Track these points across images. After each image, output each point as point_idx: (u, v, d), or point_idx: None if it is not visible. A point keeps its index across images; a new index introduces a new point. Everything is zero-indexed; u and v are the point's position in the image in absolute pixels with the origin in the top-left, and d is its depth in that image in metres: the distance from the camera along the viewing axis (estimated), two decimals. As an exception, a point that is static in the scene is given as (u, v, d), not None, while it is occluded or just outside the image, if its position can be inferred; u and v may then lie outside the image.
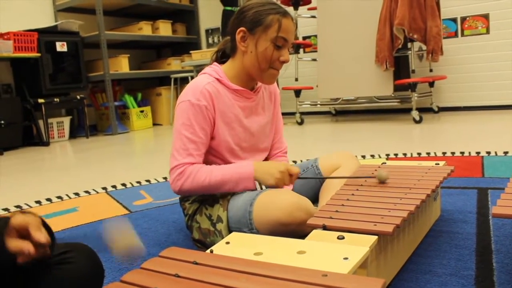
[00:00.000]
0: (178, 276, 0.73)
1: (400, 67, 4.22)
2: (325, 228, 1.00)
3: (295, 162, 2.49)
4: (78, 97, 4.83)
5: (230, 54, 1.38)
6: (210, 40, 6.00)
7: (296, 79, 4.69)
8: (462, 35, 4.37)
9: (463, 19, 4.35)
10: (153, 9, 5.76)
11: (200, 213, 1.34)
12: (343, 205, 1.13)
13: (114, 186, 2.34)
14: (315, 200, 1.45)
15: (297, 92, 4.59)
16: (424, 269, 1.10)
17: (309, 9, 4.78)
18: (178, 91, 5.60)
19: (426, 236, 1.31)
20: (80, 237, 1.57)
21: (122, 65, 5.17)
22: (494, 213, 0.96)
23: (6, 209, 2.04)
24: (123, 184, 2.37)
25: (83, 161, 3.30)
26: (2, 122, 4.16)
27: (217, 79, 1.34)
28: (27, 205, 2.09)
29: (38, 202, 2.14)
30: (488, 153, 2.40)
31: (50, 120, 4.64)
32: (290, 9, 4.45)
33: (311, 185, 1.49)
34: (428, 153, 2.53)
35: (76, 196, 2.20)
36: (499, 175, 1.95)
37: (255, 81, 1.40)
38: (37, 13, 4.99)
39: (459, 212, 1.50)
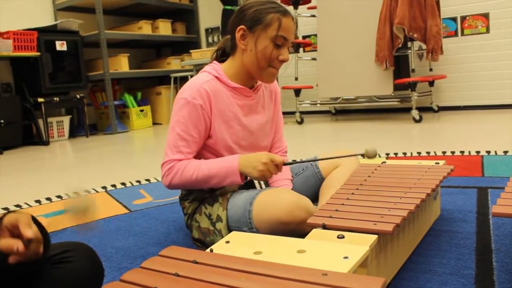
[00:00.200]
0: (178, 275, 0.73)
1: (400, 66, 4.22)
2: (325, 227, 1.00)
3: (294, 161, 2.49)
4: (78, 96, 4.83)
5: (230, 53, 1.38)
6: (210, 39, 6.00)
7: (296, 78, 4.69)
8: (462, 34, 4.36)
9: (463, 18, 4.34)
10: (153, 8, 5.76)
11: (199, 212, 1.34)
12: (343, 204, 1.13)
13: (114, 185, 2.34)
14: (315, 199, 1.45)
15: (297, 92, 4.59)
16: (424, 268, 1.10)
17: (309, 8, 4.77)
18: (178, 90, 5.58)
19: (426, 235, 1.31)
20: (80, 237, 1.57)
21: (122, 64, 5.17)
22: (494, 212, 0.96)
23: (6, 208, 2.04)
24: (123, 184, 2.37)
25: (83, 161, 3.30)
26: (2, 121, 4.16)
27: (216, 77, 1.34)
28: (27, 204, 2.09)
29: (38, 201, 2.14)
30: (488, 152, 2.40)
31: (49, 119, 4.64)
32: (290, 8, 4.44)
33: (310, 184, 1.49)
34: (428, 152, 2.53)
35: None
36: (499, 174, 1.95)
37: (255, 79, 1.39)
38: (36, 12, 4.98)
39: (459, 211, 1.50)
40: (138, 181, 2.40)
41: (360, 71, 4.10)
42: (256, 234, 0.98)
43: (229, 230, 1.26)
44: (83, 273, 0.87)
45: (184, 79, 5.51)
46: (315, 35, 4.80)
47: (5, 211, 1.98)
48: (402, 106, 4.48)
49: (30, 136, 4.60)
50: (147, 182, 2.36)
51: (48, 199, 2.16)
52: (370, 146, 1.26)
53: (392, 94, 4.07)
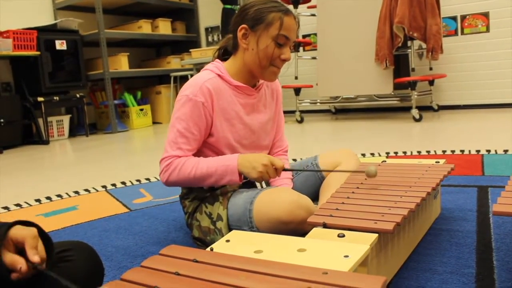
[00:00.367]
0: (179, 274, 0.73)
1: (400, 65, 4.22)
2: (325, 226, 1.00)
3: (295, 160, 2.49)
4: (78, 95, 4.82)
5: (232, 51, 1.38)
6: (210, 38, 6.00)
7: (296, 78, 4.69)
8: (462, 33, 4.36)
9: (463, 18, 4.34)
10: (152, 7, 5.75)
11: (200, 211, 1.34)
12: (343, 203, 1.13)
13: (114, 185, 2.34)
14: (315, 198, 1.45)
15: (297, 91, 4.59)
16: (424, 267, 1.10)
17: (309, 7, 4.77)
18: (177, 89, 5.59)
19: (426, 234, 1.31)
20: (80, 236, 1.57)
21: (121, 63, 5.17)
22: (494, 211, 0.96)
23: (6, 208, 2.04)
24: (123, 183, 2.37)
25: (83, 160, 3.29)
26: (2, 120, 4.16)
27: (219, 75, 1.34)
28: (27, 203, 2.09)
29: (38, 200, 2.13)
30: (488, 151, 2.40)
31: (49, 119, 4.64)
32: (290, 8, 4.45)
33: (311, 183, 1.49)
34: (428, 151, 2.53)
35: (76, 195, 2.20)
36: (499, 173, 1.95)
37: (257, 78, 1.39)
38: (36, 11, 4.98)
39: (459, 210, 1.50)
40: (138, 180, 2.40)
41: (360, 70, 4.10)
42: (257, 233, 0.98)
43: (230, 229, 1.26)
44: (83, 272, 0.87)
45: (184, 78, 5.51)
46: (315, 34, 4.80)
47: (7, 210, 1.98)
48: (402, 105, 4.48)
49: (30, 136, 4.60)
50: (147, 181, 2.36)
51: (48, 198, 2.16)
52: (373, 167, 1.26)
53: (392, 93, 4.07)
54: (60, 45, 4.71)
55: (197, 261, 0.78)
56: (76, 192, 2.24)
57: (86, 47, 5.12)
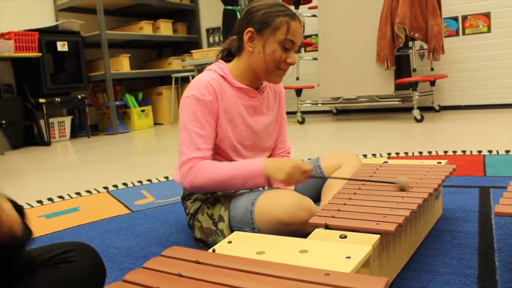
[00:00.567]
0: (181, 276, 0.73)
1: (401, 66, 4.22)
2: (327, 227, 1.00)
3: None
4: (79, 96, 4.83)
5: (236, 53, 1.38)
6: (211, 40, 6.00)
7: (297, 78, 4.69)
8: (464, 33, 4.36)
9: (464, 18, 4.34)
10: (153, 9, 5.76)
11: (202, 212, 1.34)
12: (345, 204, 1.13)
13: (115, 186, 2.34)
14: (317, 199, 1.45)
15: (298, 91, 4.59)
16: (426, 268, 1.10)
17: (310, 8, 4.77)
18: (179, 90, 5.60)
19: (428, 235, 1.31)
20: (82, 237, 1.57)
21: (123, 64, 5.18)
22: (497, 211, 0.96)
23: (7, 209, 2.04)
24: (125, 184, 2.37)
25: (84, 161, 3.30)
26: (4, 122, 4.16)
27: (222, 76, 1.34)
28: (29, 204, 2.09)
29: (40, 201, 2.14)
30: (490, 151, 2.39)
31: (51, 120, 4.65)
32: (291, 8, 4.45)
33: (313, 184, 1.49)
34: (430, 152, 2.53)
35: (78, 196, 2.20)
36: (501, 173, 1.94)
37: (261, 80, 1.39)
38: (38, 13, 4.99)
39: (461, 211, 1.50)
40: (140, 182, 2.40)
41: (361, 70, 4.10)
42: (259, 234, 0.98)
43: (231, 230, 1.26)
44: (85, 274, 0.87)
45: (185, 79, 5.51)
46: (316, 35, 4.81)
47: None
48: (403, 105, 4.48)
49: (32, 137, 4.61)
50: (149, 183, 2.37)
51: (50, 199, 2.17)
52: (404, 178, 1.21)
53: (393, 94, 4.07)
54: (62, 46, 4.72)
55: (199, 263, 0.78)
56: (78, 193, 2.24)
57: (88, 48, 5.12)
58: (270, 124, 1.45)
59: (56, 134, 4.78)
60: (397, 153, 2.58)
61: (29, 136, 4.57)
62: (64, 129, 4.87)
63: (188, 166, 1.26)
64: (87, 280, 0.86)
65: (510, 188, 1.10)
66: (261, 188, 1.30)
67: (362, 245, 0.85)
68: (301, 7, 4.63)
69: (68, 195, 2.23)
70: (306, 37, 5.17)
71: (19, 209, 0.78)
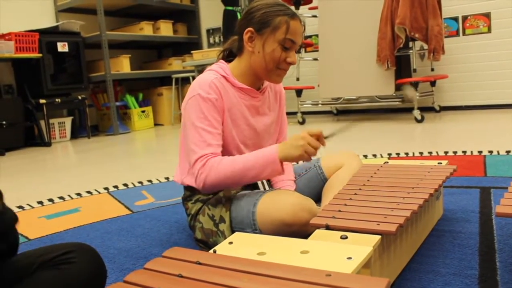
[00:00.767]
0: (182, 276, 0.73)
1: (401, 66, 4.22)
2: (328, 227, 1.00)
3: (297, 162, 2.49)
4: (80, 97, 4.83)
5: (237, 54, 1.38)
6: (211, 40, 6.00)
7: (298, 79, 4.69)
8: (464, 34, 4.36)
9: (465, 18, 4.34)
10: (154, 9, 5.76)
11: (202, 213, 1.34)
12: (346, 204, 1.13)
13: (116, 187, 2.34)
14: (318, 199, 1.45)
15: (299, 92, 4.59)
16: (427, 269, 1.10)
17: (310, 8, 4.77)
18: (179, 91, 5.60)
19: (429, 236, 1.31)
20: (83, 238, 1.57)
21: (123, 65, 5.18)
22: (498, 212, 0.96)
23: (8, 210, 2.04)
24: (125, 185, 2.37)
25: (85, 162, 3.30)
26: (4, 122, 4.17)
27: (223, 76, 1.34)
28: (29, 205, 2.09)
29: (40, 202, 2.14)
30: (490, 152, 2.39)
31: (51, 121, 4.65)
32: (291, 8, 4.45)
33: (313, 184, 1.49)
34: (430, 153, 2.53)
35: (78, 197, 2.20)
36: (502, 174, 1.94)
37: (261, 81, 1.39)
38: (38, 13, 4.99)
39: (461, 212, 1.50)
40: (140, 182, 2.40)
41: (362, 71, 4.10)
42: (259, 235, 0.98)
43: (232, 231, 1.26)
44: (86, 274, 0.87)
45: (185, 80, 5.51)
46: (317, 35, 4.81)
47: None
48: (403, 106, 4.48)
49: (32, 137, 4.61)
50: (149, 183, 2.37)
51: (50, 200, 2.17)
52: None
53: (394, 94, 4.07)
54: (62, 47, 4.72)
55: (200, 263, 0.78)
56: (78, 194, 2.24)
57: (88, 49, 5.13)
58: (271, 124, 1.45)
59: (57, 135, 4.78)
60: (398, 154, 2.58)
61: (29, 136, 4.58)
62: (65, 129, 4.87)
63: (200, 163, 1.24)
64: (88, 281, 0.86)
65: (511, 189, 1.10)
66: (262, 189, 1.30)
67: (363, 246, 0.85)
68: (301, 7, 4.63)
69: (69, 195, 2.23)
70: (306, 37, 5.17)
71: None
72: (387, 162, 1.59)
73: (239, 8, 4.77)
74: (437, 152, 2.52)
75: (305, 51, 5.23)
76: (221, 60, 1.41)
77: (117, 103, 5.15)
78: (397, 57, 3.95)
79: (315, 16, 4.65)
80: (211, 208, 1.32)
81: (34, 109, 4.47)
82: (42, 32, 4.55)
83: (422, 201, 1.11)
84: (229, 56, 1.43)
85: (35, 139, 4.62)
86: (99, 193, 2.24)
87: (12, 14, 4.70)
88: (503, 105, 4.24)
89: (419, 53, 4.20)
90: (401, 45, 3.83)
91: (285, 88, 4.89)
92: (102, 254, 1.11)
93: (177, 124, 5.51)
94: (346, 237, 0.93)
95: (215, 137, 1.27)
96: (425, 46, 3.93)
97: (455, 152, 2.47)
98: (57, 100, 4.57)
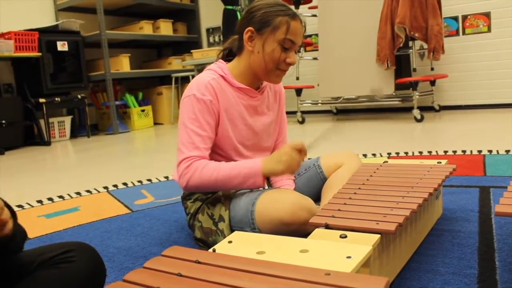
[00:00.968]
0: (181, 275, 0.73)
1: (401, 65, 4.22)
2: (327, 227, 1.00)
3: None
4: (79, 96, 4.83)
5: (237, 53, 1.38)
6: (211, 39, 6.00)
7: (297, 78, 4.69)
8: (464, 33, 4.36)
9: (465, 18, 4.34)
10: (154, 8, 5.76)
11: (202, 212, 1.34)
12: (345, 203, 1.13)
13: (115, 186, 2.34)
14: (317, 199, 1.45)
15: (298, 91, 4.59)
16: (426, 268, 1.10)
17: (310, 7, 4.77)
18: (179, 90, 5.60)
19: (428, 235, 1.31)
20: (82, 237, 1.57)
21: (123, 64, 5.18)
22: (497, 211, 0.96)
23: (7, 209, 2.04)
24: (125, 184, 2.37)
25: (84, 161, 3.30)
26: (4, 121, 4.16)
27: (222, 76, 1.34)
28: (29, 204, 2.09)
29: (40, 201, 2.14)
30: (490, 151, 2.39)
31: (51, 120, 4.65)
32: (291, 8, 4.45)
33: (313, 184, 1.49)
34: (430, 152, 2.53)
35: (78, 196, 2.20)
36: (501, 173, 1.94)
37: (261, 80, 1.39)
38: (38, 12, 4.99)
39: (461, 211, 1.50)
40: (140, 181, 2.40)
41: (361, 70, 4.10)
42: (259, 234, 0.98)
43: (232, 230, 1.26)
44: (85, 273, 0.87)
45: (185, 79, 5.51)
46: (316, 34, 4.81)
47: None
48: (403, 105, 4.47)
49: (32, 137, 4.61)
50: (149, 182, 2.37)
51: (50, 199, 2.17)
52: None
53: (394, 94, 4.07)
54: (62, 46, 4.72)
55: (199, 262, 0.78)
56: (78, 193, 2.24)
57: (88, 48, 5.12)
58: (270, 124, 1.45)
59: (56, 134, 4.78)
60: (397, 153, 2.58)
61: (29, 136, 4.57)
62: (64, 129, 4.87)
63: (185, 164, 1.25)
64: (87, 280, 0.86)
65: (510, 188, 1.10)
66: (261, 188, 1.30)
67: (363, 245, 0.85)
68: (301, 7, 4.63)
69: (68, 195, 2.23)
70: (306, 36, 5.17)
71: (9, 208, 0.77)
72: (387, 162, 1.59)
73: (239, 7, 4.76)
74: (436, 152, 2.52)
75: (305, 51, 5.23)
76: (220, 60, 1.41)
77: (117, 102, 5.15)
78: (397, 57, 3.95)
79: (315, 16, 4.64)
80: (210, 207, 1.32)
81: (34, 108, 4.46)
82: (42, 31, 4.54)
83: (421, 200, 1.11)
84: (228, 56, 1.43)
85: (34, 138, 4.61)
86: (99, 192, 2.24)
87: (11, 13, 4.70)
88: (503, 105, 4.24)
89: (419, 52, 4.20)
90: (401, 45, 3.83)
91: (284, 88, 4.88)
92: (102, 253, 1.12)
93: (176, 123, 5.50)
94: (346, 236, 0.93)
95: (204, 140, 1.28)
96: (425, 46, 3.93)
97: (454, 152, 2.47)
98: (56, 99, 4.57)
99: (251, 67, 1.34)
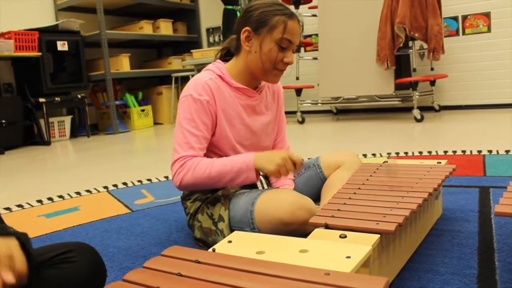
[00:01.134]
0: (181, 275, 0.73)
1: (401, 65, 4.22)
2: (327, 226, 1.00)
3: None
4: (79, 96, 4.83)
5: (235, 53, 1.38)
6: (211, 39, 6.00)
7: (297, 78, 4.69)
8: (464, 33, 4.36)
9: (464, 18, 4.34)
10: (154, 8, 5.76)
11: (201, 212, 1.34)
12: (345, 203, 1.13)
13: (115, 185, 2.34)
14: (317, 199, 1.45)
15: (298, 91, 4.59)
16: (426, 268, 1.10)
17: (310, 7, 4.77)
18: (179, 90, 5.60)
19: (428, 235, 1.31)
20: (82, 236, 1.57)
21: (123, 64, 5.18)
22: (497, 211, 0.96)
23: (8, 208, 2.04)
24: (124, 183, 2.37)
25: (84, 160, 3.30)
26: (4, 121, 4.16)
27: (219, 76, 1.34)
28: (29, 204, 2.09)
29: (40, 201, 2.14)
30: (490, 151, 2.39)
31: (51, 119, 4.65)
32: (291, 8, 4.45)
33: (313, 183, 1.49)
34: (430, 152, 2.53)
35: (78, 195, 2.20)
36: (501, 173, 1.94)
37: (259, 80, 1.39)
38: (38, 12, 4.99)
39: (461, 211, 1.50)
40: (140, 181, 2.40)
41: (361, 70, 4.10)
42: (258, 233, 0.98)
43: (231, 230, 1.26)
44: (85, 273, 0.87)
45: (185, 79, 5.51)
46: (316, 34, 4.81)
47: (8, 211, 1.99)
48: (403, 105, 4.48)
49: (32, 136, 4.61)
50: (149, 182, 2.37)
51: (50, 199, 2.17)
52: None
53: (393, 94, 4.07)
54: (62, 46, 4.71)
55: (199, 262, 0.78)
56: (78, 193, 2.24)
57: (88, 48, 5.12)
58: (268, 124, 1.45)
59: (56, 134, 4.78)
60: (397, 153, 2.58)
61: (29, 135, 4.57)
62: (64, 128, 4.87)
63: (179, 164, 1.26)
64: (87, 280, 0.86)
65: (510, 188, 1.10)
66: (260, 188, 1.30)
67: (362, 245, 0.85)
68: (301, 6, 4.63)
69: (68, 194, 2.23)
70: (306, 36, 5.17)
71: (27, 252, 0.77)
72: (387, 162, 1.59)
73: (239, 7, 4.76)
74: (436, 152, 2.52)
75: (305, 51, 5.23)
76: (218, 60, 1.41)
77: (117, 102, 5.15)
78: (396, 57, 3.95)
79: (315, 16, 4.65)
80: (210, 207, 1.32)
81: (34, 108, 4.46)
82: (42, 30, 4.54)
83: (421, 200, 1.11)
84: (227, 56, 1.44)
85: (34, 138, 4.61)
86: (99, 192, 2.24)
87: (11, 12, 4.70)
88: (503, 105, 4.24)
89: (418, 52, 4.20)
90: (401, 45, 3.83)
91: (284, 88, 4.90)
92: (102, 253, 1.12)
93: (176, 123, 5.50)
94: (345, 236, 0.93)
95: (199, 140, 1.28)
96: (425, 46, 3.93)
97: (454, 152, 2.47)
98: (56, 99, 4.57)
99: (248, 67, 1.34)
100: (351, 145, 3.00)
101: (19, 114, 4.39)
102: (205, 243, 1.33)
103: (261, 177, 1.43)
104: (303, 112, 4.62)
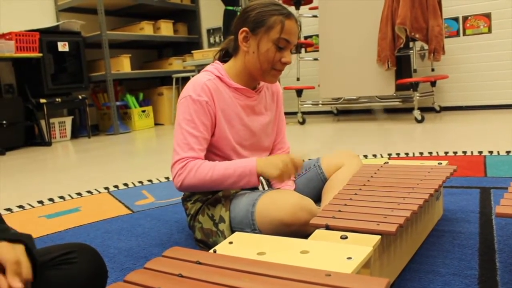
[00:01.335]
0: (182, 276, 0.73)
1: (401, 66, 4.22)
2: (328, 228, 1.00)
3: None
4: (80, 97, 4.83)
5: (233, 53, 1.38)
6: (212, 40, 6.01)
7: (298, 79, 4.69)
8: (464, 34, 4.36)
9: (465, 19, 4.34)
10: (154, 9, 5.77)
11: (202, 213, 1.34)
12: (346, 204, 1.13)
13: (116, 186, 2.35)
14: (318, 199, 1.45)
15: (299, 92, 4.59)
16: (427, 269, 1.10)
17: (310, 8, 4.77)
18: (179, 90, 5.60)
19: (429, 236, 1.31)
20: (83, 237, 1.57)
21: (123, 65, 5.18)
22: (498, 212, 0.96)
23: (8, 209, 2.05)
24: (125, 184, 2.37)
25: (85, 161, 3.30)
26: (4, 122, 4.17)
27: (218, 77, 1.34)
28: (30, 205, 2.10)
29: (41, 202, 2.14)
30: (491, 152, 2.39)
31: (52, 120, 4.65)
32: (292, 9, 4.45)
33: (313, 184, 1.49)
34: (430, 153, 2.53)
35: (79, 196, 2.20)
36: (502, 174, 1.94)
37: (257, 80, 1.40)
38: (38, 13, 4.99)
39: (461, 212, 1.50)
40: (141, 182, 2.40)
41: (362, 71, 4.10)
42: (259, 235, 0.98)
43: (232, 231, 1.26)
44: (86, 274, 0.87)
45: (186, 80, 5.51)
46: (317, 35, 4.81)
47: (9, 212, 1.99)
48: (404, 106, 4.48)
49: (33, 137, 4.61)
50: (150, 183, 2.37)
51: (51, 199, 2.17)
52: None
53: (394, 95, 4.07)
54: (62, 46, 4.72)
55: (200, 263, 0.78)
56: (79, 194, 2.25)
57: (88, 48, 5.13)
58: (268, 124, 1.45)
59: (57, 135, 4.78)
60: (398, 154, 2.58)
61: (30, 136, 4.58)
62: (65, 129, 4.87)
63: (179, 165, 1.25)
64: (89, 281, 0.87)
65: (511, 189, 1.10)
66: (261, 189, 1.30)
67: (363, 246, 0.85)
68: (301, 7, 4.63)
69: (69, 195, 2.23)
70: (306, 37, 5.17)
71: (33, 257, 0.77)
72: (387, 162, 1.59)
73: (240, 8, 4.77)
74: (437, 152, 2.52)
75: (305, 51, 5.23)
76: (217, 61, 1.42)
77: (118, 103, 5.15)
78: (397, 57, 3.95)
79: (315, 16, 4.65)
80: (211, 208, 1.32)
81: (35, 109, 4.47)
82: (43, 31, 4.55)
83: (422, 201, 1.11)
84: (225, 56, 1.44)
85: (35, 138, 4.62)
86: (100, 192, 2.25)
87: (12, 13, 4.71)
88: (504, 106, 4.24)
89: (419, 53, 4.20)
90: (402, 45, 3.83)
91: (285, 88, 4.90)
92: (102, 254, 1.12)
93: (177, 124, 5.51)
94: (346, 237, 0.93)
95: (199, 141, 1.28)
96: (426, 47, 3.93)
97: (455, 153, 2.47)
98: (57, 99, 4.57)
99: (246, 67, 1.34)
100: (351, 146, 3.00)
101: (20, 114, 4.39)
102: (206, 244, 1.33)
103: (261, 178, 1.43)
104: (303, 113, 4.62)
